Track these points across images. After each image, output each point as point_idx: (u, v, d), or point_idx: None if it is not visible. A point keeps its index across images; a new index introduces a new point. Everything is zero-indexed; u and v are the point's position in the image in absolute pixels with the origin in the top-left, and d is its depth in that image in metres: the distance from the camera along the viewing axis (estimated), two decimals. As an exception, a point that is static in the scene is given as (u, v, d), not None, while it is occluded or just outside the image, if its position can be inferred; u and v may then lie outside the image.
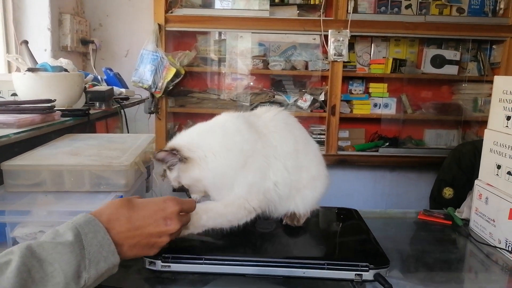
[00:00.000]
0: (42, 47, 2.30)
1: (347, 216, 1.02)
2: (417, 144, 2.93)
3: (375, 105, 2.83)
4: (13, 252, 0.51)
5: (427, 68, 2.78)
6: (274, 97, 2.80)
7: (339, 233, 0.94)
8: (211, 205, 0.83)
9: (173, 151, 0.82)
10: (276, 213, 0.93)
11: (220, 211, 0.82)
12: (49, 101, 1.18)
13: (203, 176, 0.83)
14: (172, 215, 0.68)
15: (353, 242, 0.89)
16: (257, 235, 0.89)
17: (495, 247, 0.95)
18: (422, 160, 2.77)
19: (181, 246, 0.85)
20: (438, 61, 2.76)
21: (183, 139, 0.87)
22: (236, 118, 0.88)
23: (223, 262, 0.76)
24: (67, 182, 0.83)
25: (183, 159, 0.83)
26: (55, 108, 1.21)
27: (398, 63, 2.75)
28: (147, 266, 0.77)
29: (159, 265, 0.76)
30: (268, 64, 2.77)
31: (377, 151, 2.78)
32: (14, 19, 2.20)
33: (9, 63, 2.11)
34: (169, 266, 0.76)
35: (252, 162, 0.84)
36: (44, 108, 1.15)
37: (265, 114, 0.93)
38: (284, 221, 0.93)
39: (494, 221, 0.97)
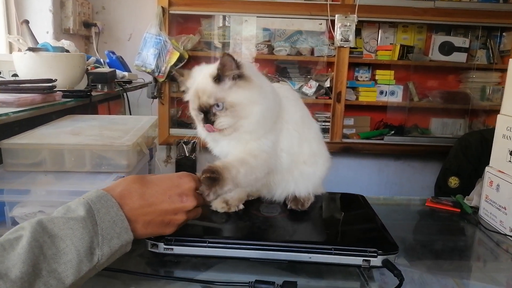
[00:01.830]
0: (44, 29, 2.26)
1: (354, 201, 1.00)
2: (423, 133, 2.90)
3: (381, 92, 2.79)
4: (23, 227, 0.49)
5: (435, 55, 2.73)
6: (278, 82, 2.76)
7: (346, 219, 0.92)
8: (242, 158, 0.78)
9: (237, 64, 0.77)
10: (277, 192, 0.91)
11: (252, 164, 0.77)
12: (50, 80, 1.16)
13: (259, 101, 0.78)
14: (188, 191, 0.65)
15: (360, 227, 0.87)
16: (262, 219, 0.86)
17: (506, 235, 0.93)
18: (428, 149, 2.74)
19: (184, 229, 0.83)
20: (447, 48, 2.71)
21: (248, 63, 0.83)
22: None
23: (227, 245, 0.74)
24: (68, 161, 0.80)
25: (244, 77, 0.78)
26: (56, 89, 1.19)
27: (406, 50, 2.70)
28: (149, 249, 0.75)
29: (161, 247, 0.74)
30: (273, 49, 2.73)
31: (382, 139, 2.75)
32: (16, 0, 2.16)
33: (10, 44, 2.08)
34: (172, 248, 0.74)
35: (276, 122, 0.83)
36: (44, 88, 1.12)
37: (277, 85, 0.93)
38: (288, 206, 0.91)
39: (505, 209, 0.94)
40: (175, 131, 2.72)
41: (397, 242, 0.79)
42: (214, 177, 0.69)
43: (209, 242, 0.74)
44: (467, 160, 2.10)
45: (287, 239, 0.79)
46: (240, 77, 0.77)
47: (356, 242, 0.77)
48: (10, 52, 2.04)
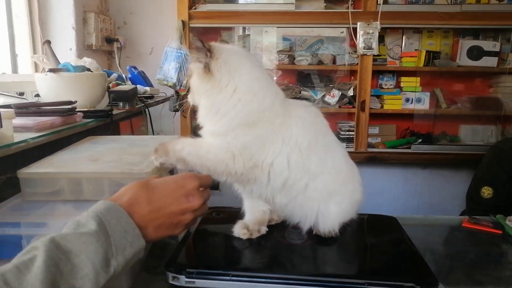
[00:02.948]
0: (67, 46, 2.30)
1: (386, 225, 0.94)
2: (452, 141, 2.79)
3: (407, 100, 2.70)
4: (36, 247, 0.49)
5: (463, 60, 2.63)
6: (300, 92, 2.72)
7: (378, 246, 0.86)
8: (198, 144, 0.80)
9: (208, 52, 0.78)
10: (296, 220, 0.87)
11: (199, 153, 0.78)
12: (70, 102, 1.15)
13: (205, 95, 0.79)
14: (193, 190, 0.66)
15: (394, 257, 0.81)
16: (287, 247, 0.82)
17: (555, 261, 0.85)
18: (457, 157, 2.63)
19: (206, 261, 0.80)
20: (475, 53, 2.60)
21: (231, 54, 0.80)
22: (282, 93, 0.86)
23: (252, 279, 0.70)
24: (86, 190, 0.78)
25: (206, 68, 0.78)
26: (76, 110, 1.18)
27: (432, 56, 2.60)
28: (170, 281, 0.72)
29: (183, 280, 0.71)
30: (294, 59, 2.69)
31: (409, 148, 2.66)
32: (40, 19, 2.20)
33: (35, 64, 2.11)
34: (194, 282, 0.71)
35: (261, 127, 0.78)
36: (65, 110, 1.11)
37: (298, 103, 0.88)
38: (314, 231, 0.86)
39: (553, 233, 0.86)
40: (197, 144, 2.70)
41: (434, 271, 0.73)
42: (155, 148, 0.79)
43: (233, 276, 0.70)
44: (502, 169, 1.99)
45: (315, 271, 0.74)
46: (205, 66, 0.78)
47: (391, 275, 0.71)
48: (36, 71, 2.07)
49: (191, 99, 0.85)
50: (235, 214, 0.92)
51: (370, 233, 0.91)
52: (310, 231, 0.87)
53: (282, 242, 0.84)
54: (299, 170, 0.80)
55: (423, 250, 0.86)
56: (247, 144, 0.77)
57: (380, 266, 0.78)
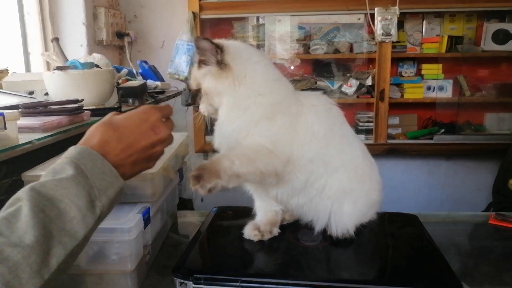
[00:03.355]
0: (78, 42, 2.28)
1: (407, 225, 0.88)
2: (477, 130, 2.67)
3: (429, 88, 2.60)
4: (19, 198, 0.50)
5: (488, 45, 2.50)
6: (316, 83, 2.64)
7: (398, 249, 0.81)
8: (240, 151, 0.75)
9: (218, 48, 0.76)
10: (309, 219, 0.83)
11: (250, 156, 0.74)
12: (76, 101, 1.12)
13: (227, 92, 0.76)
14: (157, 122, 0.65)
15: (415, 260, 0.76)
16: (301, 250, 0.77)
17: None
18: (482, 147, 2.53)
19: (215, 265, 0.76)
20: (501, 37, 2.46)
21: (238, 46, 0.79)
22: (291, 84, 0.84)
23: (262, 285, 0.66)
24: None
25: (222, 64, 0.75)
26: (84, 108, 1.15)
27: (454, 41, 2.49)
28: (177, 287, 0.69)
29: (190, 286, 0.68)
30: (309, 48, 2.61)
31: (432, 138, 2.56)
32: (51, 16, 2.19)
33: (47, 62, 2.10)
34: (201, 289, 0.67)
35: (280, 118, 0.76)
36: (72, 109, 1.09)
37: (307, 92, 0.87)
38: (328, 232, 0.82)
39: None
40: (211, 138, 2.66)
41: (457, 270, 0.68)
42: (197, 174, 0.70)
43: (242, 282, 0.67)
44: (530, 159, 1.91)
45: (330, 277, 0.69)
46: (220, 63, 0.75)
47: (411, 280, 0.66)
48: (48, 69, 2.07)
49: (205, 108, 0.80)
50: (246, 213, 0.88)
51: (389, 234, 0.86)
52: (325, 231, 0.82)
53: (295, 244, 0.80)
54: (320, 163, 0.77)
55: (446, 249, 0.81)
56: (274, 138, 0.75)
57: (400, 271, 0.72)
